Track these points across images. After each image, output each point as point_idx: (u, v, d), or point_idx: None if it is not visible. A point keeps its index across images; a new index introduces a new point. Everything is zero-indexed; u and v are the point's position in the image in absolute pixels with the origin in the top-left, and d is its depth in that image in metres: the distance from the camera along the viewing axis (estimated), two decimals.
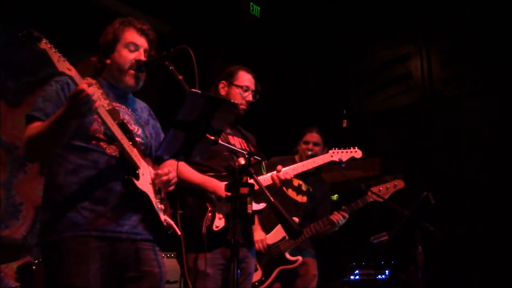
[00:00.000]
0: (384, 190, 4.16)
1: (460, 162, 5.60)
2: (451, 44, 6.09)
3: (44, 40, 2.14)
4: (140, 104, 2.82)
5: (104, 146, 2.44)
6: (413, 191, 4.25)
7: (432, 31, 6.16)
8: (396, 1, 6.09)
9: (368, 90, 6.60)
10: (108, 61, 2.63)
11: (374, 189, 4.16)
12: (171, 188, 2.58)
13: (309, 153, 4.33)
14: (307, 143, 4.43)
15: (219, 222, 3.06)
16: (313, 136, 4.44)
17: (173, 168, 2.58)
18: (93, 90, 2.17)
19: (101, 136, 2.44)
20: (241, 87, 3.38)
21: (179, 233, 2.56)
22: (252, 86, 3.43)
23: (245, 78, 3.42)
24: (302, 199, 4.36)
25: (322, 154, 4.31)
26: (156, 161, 2.73)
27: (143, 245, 2.48)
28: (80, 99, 2.13)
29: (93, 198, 2.37)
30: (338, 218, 4.12)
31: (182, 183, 3.03)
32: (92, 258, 2.32)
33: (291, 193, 4.34)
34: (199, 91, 2.17)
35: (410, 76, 6.27)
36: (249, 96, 3.39)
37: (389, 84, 6.41)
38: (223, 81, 3.44)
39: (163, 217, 2.52)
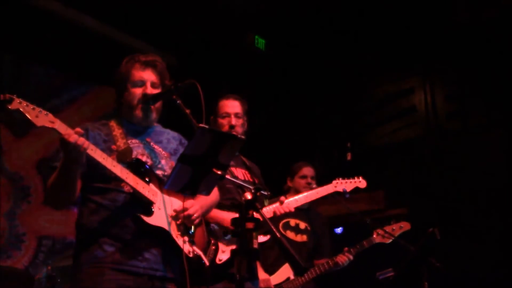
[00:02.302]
0: (390, 231, 4.12)
1: (464, 196, 5.57)
2: (455, 78, 6.12)
3: (17, 100, 2.20)
4: (168, 135, 2.85)
5: (122, 185, 2.52)
6: (417, 225, 4.23)
7: (436, 65, 6.20)
8: (399, 35, 6.16)
9: (372, 124, 6.61)
10: (123, 101, 2.72)
11: (380, 230, 4.11)
12: (196, 222, 2.60)
13: (310, 186, 4.27)
14: (305, 177, 4.42)
15: (222, 255, 3.05)
16: (310, 170, 4.46)
17: (195, 202, 2.60)
18: (75, 137, 2.26)
19: (117, 173, 2.50)
20: (219, 115, 3.41)
21: (207, 264, 2.61)
22: (233, 110, 3.42)
23: (223, 105, 3.44)
24: (302, 238, 4.31)
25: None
26: None
27: (160, 284, 2.50)
28: (65, 147, 2.26)
29: (111, 235, 2.45)
30: (344, 260, 4.07)
31: None
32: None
33: (289, 234, 4.28)
34: (207, 126, 2.19)
35: (414, 110, 6.28)
36: (231, 120, 3.38)
37: (393, 118, 6.42)
38: (212, 116, 3.48)
39: (188, 248, 2.52)
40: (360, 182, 3.97)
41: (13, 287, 4.08)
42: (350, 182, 3.94)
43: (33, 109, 2.24)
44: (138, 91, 2.67)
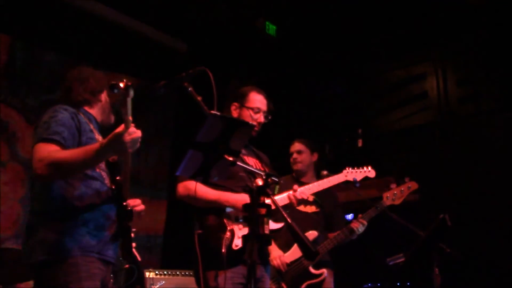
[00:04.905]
0: (399, 193, 4.15)
1: (477, 181, 5.55)
2: (466, 63, 6.07)
3: (131, 94, 2.30)
4: None
5: (104, 176, 2.64)
6: (429, 211, 4.23)
7: (448, 50, 6.15)
8: (411, 20, 6.11)
9: (383, 109, 6.59)
10: (98, 99, 2.86)
11: (389, 193, 4.16)
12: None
13: (294, 163, 4.51)
14: (291, 154, 4.59)
15: (239, 241, 3.07)
16: (295, 146, 4.60)
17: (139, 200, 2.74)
18: (139, 133, 2.33)
19: (103, 166, 2.63)
20: (252, 108, 3.38)
21: (139, 259, 2.85)
22: (264, 107, 3.42)
23: (256, 100, 3.42)
24: (311, 209, 4.37)
25: (310, 159, 4.56)
26: None
27: (112, 268, 2.69)
28: (132, 139, 2.29)
29: (96, 224, 2.56)
30: (358, 225, 4.13)
31: (200, 203, 3.07)
32: (97, 276, 2.51)
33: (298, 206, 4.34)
34: (218, 113, 2.21)
35: (425, 95, 6.25)
36: (260, 118, 3.39)
37: (404, 103, 6.39)
38: (235, 103, 3.44)
39: (133, 244, 2.62)
40: (370, 172, 4.00)
41: (27, 272, 4.13)
42: (360, 171, 3.98)
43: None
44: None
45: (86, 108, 2.80)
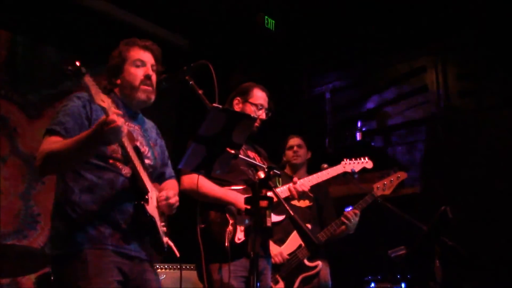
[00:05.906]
0: (388, 183, 4.17)
1: (477, 175, 5.55)
2: (467, 57, 6.07)
3: (88, 77, 2.16)
4: (149, 124, 2.86)
5: (120, 167, 2.49)
6: (429, 205, 4.23)
7: (448, 44, 6.15)
8: (411, 14, 6.10)
9: (383, 103, 6.58)
10: (119, 81, 2.67)
11: (379, 184, 4.18)
12: (174, 211, 2.62)
13: (296, 156, 4.46)
14: (291, 148, 4.52)
15: (241, 235, 3.10)
16: (295, 140, 4.55)
17: (175, 190, 2.65)
18: (123, 121, 2.20)
19: (119, 156, 2.49)
20: (255, 105, 3.42)
21: (178, 255, 2.63)
22: (266, 104, 3.47)
23: (260, 96, 3.47)
24: (305, 203, 4.37)
25: (306, 156, 4.52)
26: (157, 178, 2.77)
27: (147, 267, 2.54)
28: (110, 129, 2.17)
29: (108, 217, 2.42)
30: (351, 216, 4.11)
31: (203, 198, 3.08)
32: (111, 270, 2.37)
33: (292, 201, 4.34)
34: (220, 106, 2.22)
35: (426, 89, 6.25)
36: (262, 114, 3.44)
37: (405, 97, 6.39)
38: (238, 98, 3.48)
39: (165, 239, 2.55)
40: (367, 163, 4.03)
41: (29, 267, 4.14)
42: (358, 163, 4.01)
43: (94, 85, 2.19)
44: (139, 72, 2.64)
45: (116, 91, 2.66)
